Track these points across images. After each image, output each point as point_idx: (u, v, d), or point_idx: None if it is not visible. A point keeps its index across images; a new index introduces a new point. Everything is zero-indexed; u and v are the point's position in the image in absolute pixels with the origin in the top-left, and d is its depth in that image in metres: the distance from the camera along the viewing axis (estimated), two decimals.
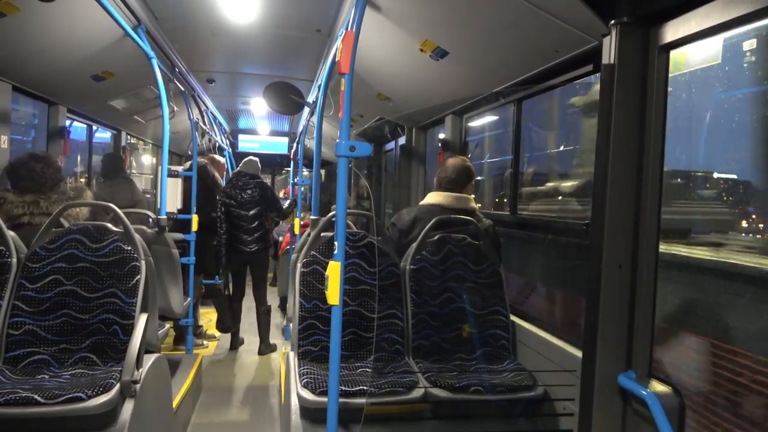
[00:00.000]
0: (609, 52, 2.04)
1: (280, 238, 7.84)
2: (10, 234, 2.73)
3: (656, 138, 2.01)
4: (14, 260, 2.69)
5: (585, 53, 2.36)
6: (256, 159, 5.57)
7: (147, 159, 9.40)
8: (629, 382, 2.00)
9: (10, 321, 2.60)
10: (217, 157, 6.06)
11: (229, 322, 5.27)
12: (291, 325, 3.04)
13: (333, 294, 1.86)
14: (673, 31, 1.91)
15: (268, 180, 9.59)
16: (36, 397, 2.18)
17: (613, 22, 2.01)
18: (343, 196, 1.90)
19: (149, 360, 2.67)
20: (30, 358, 2.60)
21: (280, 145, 10.10)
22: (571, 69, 2.61)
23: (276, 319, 6.29)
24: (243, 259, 5.31)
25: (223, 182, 5.76)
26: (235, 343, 5.49)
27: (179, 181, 4.54)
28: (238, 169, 5.54)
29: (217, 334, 5.75)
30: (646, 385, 1.98)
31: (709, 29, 1.78)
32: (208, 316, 6.10)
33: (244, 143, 9.98)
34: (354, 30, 1.86)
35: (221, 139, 7.67)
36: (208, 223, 5.16)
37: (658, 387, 1.97)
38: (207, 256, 5.25)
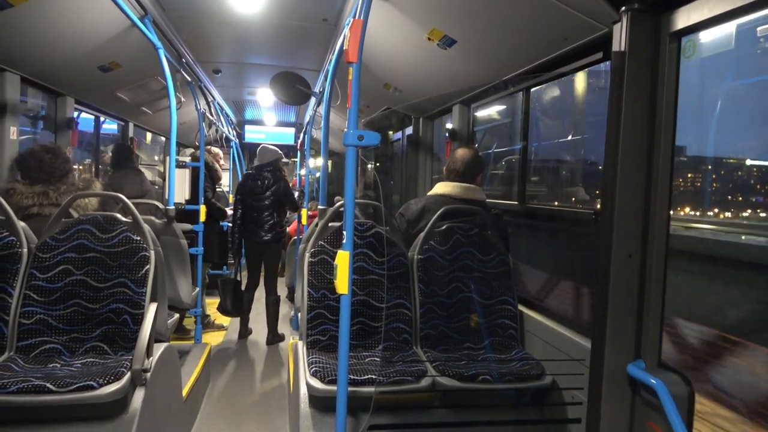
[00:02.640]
0: (619, 40, 2.01)
1: (287, 228, 7.86)
2: (21, 224, 2.75)
3: (667, 126, 1.98)
4: (25, 250, 2.71)
5: (595, 41, 2.34)
6: (269, 145, 5.53)
7: None
8: (638, 371, 2.00)
9: (22, 310, 2.63)
10: (211, 147, 6.06)
11: (229, 307, 5.26)
12: (299, 314, 3.05)
13: (342, 283, 1.86)
14: (685, 17, 1.88)
15: None
16: (48, 385, 2.20)
17: (623, 8, 1.99)
18: (352, 186, 1.90)
19: (159, 349, 2.69)
20: (41, 347, 2.62)
21: (286, 136, 10.08)
22: (580, 57, 2.58)
23: (284, 309, 6.32)
24: (257, 249, 5.35)
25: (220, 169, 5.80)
26: (244, 332, 5.52)
27: (187, 172, 4.54)
28: (256, 162, 5.54)
29: (225, 323, 5.79)
30: (656, 374, 1.97)
31: (722, 15, 1.75)
32: (215, 307, 6.12)
33: (251, 134, 9.98)
34: (362, 18, 1.84)
35: (228, 130, 7.67)
36: (210, 210, 5.16)
37: (668, 376, 1.97)
38: (211, 244, 5.27)
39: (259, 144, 5.79)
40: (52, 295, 2.69)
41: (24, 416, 2.26)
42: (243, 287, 5.38)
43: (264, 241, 5.29)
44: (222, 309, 5.28)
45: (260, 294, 5.55)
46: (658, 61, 1.99)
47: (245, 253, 5.40)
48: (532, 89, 3.39)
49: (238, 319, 5.52)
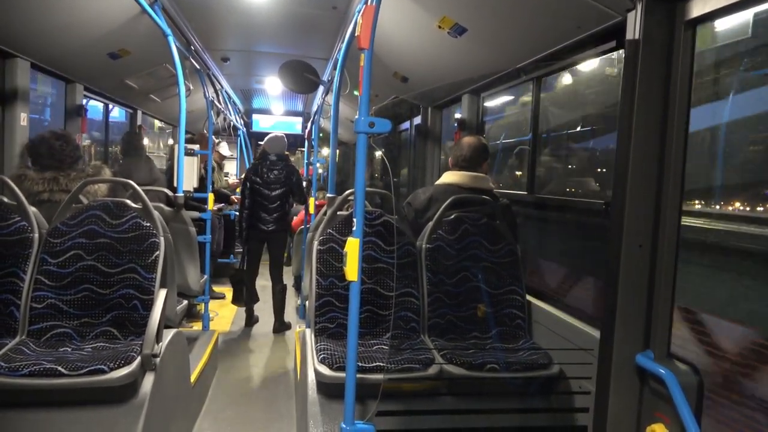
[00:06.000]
0: (633, 28, 1.99)
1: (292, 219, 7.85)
2: (32, 210, 2.77)
3: (680, 116, 1.97)
4: (36, 235, 2.73)
5: (608, 29, 2.32)
6: (281, 135, 5.47)
7: None
8: (647, 361, 2.00)
9: (33, 295, 2.65)
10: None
11: (246, 297, 5.33)
12: (307, 302, 3.06)
13: (351, 270, 1.86)
14: (700, 5, 1.86)
15: None
16: (60, 368, 2.23)
17: None
18: (362, 173, 1.90)
19: (168, 335, 2.71)
20: (53, 331, 2.65)
21: (294, 125, 10.09)
22: (593, 45, 2.56)
23: (290, 298, 6.34)
24: (260, 237, 5.37)
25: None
26: (250, 321, 5.56)
27: (195, 160, 4.54)
28: (262, 148, 5.51)
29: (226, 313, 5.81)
30: (665, 364, 1.97)
31: (738, 3, 1.73)
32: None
33: (258, 123, 10.00)
34: (374, 4, 1.84)
35: (235, 119, 7.67)
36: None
37: (677, 366, 1.97)
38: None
39: (267, 133, 5.76)
40: (63, 279, 2.71)
41: (35, 399, 2.29)
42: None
43: (269, 229, 5.30)
44: (238, 302, 5.33)
45: (266, 283, 5.57)
46: (673, 50, 1.97)
47: (248, 240, 5.40)
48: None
49: (244, 307, 5.56)
